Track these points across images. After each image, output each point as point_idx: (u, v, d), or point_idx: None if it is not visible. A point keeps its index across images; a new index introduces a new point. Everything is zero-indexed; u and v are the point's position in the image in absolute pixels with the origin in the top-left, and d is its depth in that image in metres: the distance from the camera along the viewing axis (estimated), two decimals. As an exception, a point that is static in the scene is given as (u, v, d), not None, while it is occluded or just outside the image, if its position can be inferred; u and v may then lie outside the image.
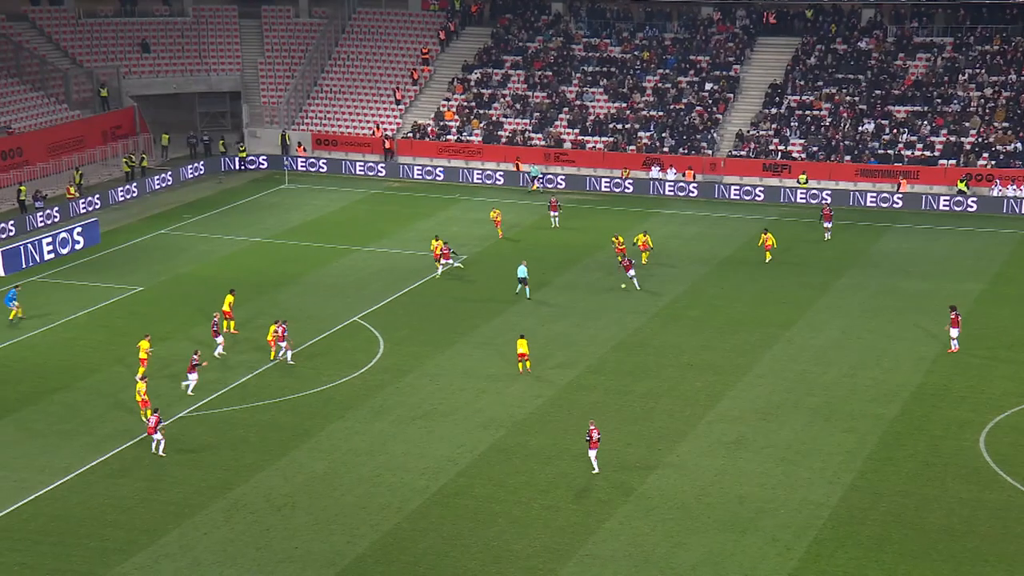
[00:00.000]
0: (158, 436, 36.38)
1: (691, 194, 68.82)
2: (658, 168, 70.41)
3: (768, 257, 55.62)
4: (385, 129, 75.36)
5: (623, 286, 50.62)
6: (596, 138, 73.19)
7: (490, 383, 42.15)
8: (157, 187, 68.54)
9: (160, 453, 36.36)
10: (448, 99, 77.17)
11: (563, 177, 70.86)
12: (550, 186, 70.24)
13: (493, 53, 79.62)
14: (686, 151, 71.52)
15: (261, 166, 73.70)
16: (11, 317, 46.55)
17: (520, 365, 42.90)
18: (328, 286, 51.80)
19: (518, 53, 79.37)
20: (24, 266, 53.82)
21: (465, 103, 76.54)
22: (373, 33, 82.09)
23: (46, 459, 35.92)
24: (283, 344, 43.06)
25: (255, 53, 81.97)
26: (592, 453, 35.48)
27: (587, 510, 33.52)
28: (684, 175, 69.81)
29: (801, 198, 67.35)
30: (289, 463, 36.02)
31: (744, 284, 53.09)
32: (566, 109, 75.26)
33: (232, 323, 45.93)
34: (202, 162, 72.77)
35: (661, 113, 73.98)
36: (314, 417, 39.30)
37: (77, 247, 56.69)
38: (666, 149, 71.92)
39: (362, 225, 62.17)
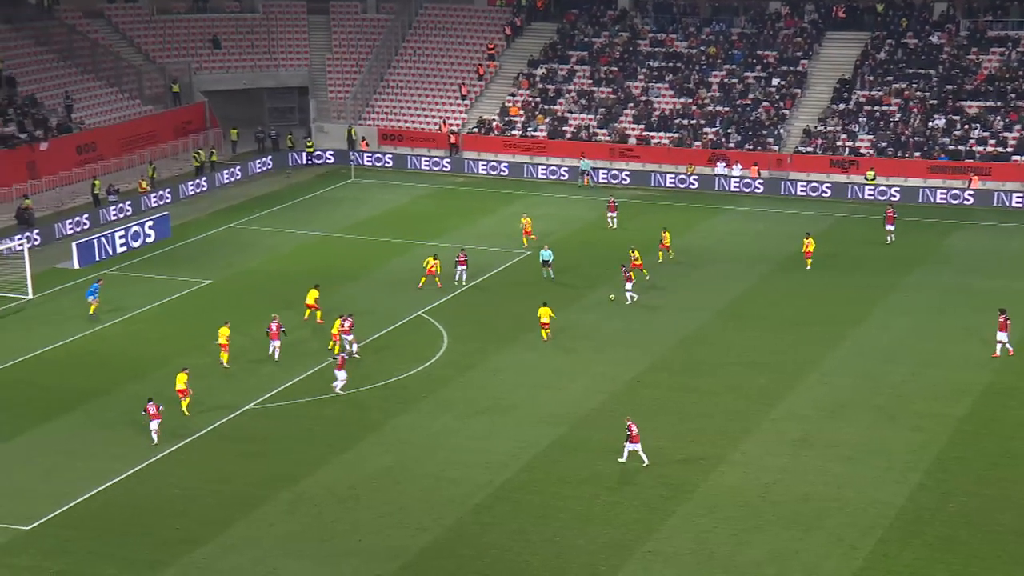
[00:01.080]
0: (155, 424, 36.52)
1: (757, 190, 68.14)
2: (723, 164, 69.81)
3: (808, 264, 53.56)
4: (450, 124, 75.53)
5: (611, 297, 49.14)
6: (661, 134, 72.74)
7: (553, 378, 42.09)
8: (226, 181, 69.30)
9: (155, 440, 36.50)
10: (513, 94, 77.14)
11: (627, 173, 70.52)
12: (614, 182, 69.95)
13: (559, 48, 79.44)
14: (752, 147, 70.85)
15: (328, 161, 74.22)
16: (91, 311, 47.27)
17: (543, 332, 44.23)
18: (393, 281, 52.01)
19: (584, 48, 79.12)
20: (97, 259, 54.68)
21: (530, 98, 76.47)
22: (439, 28, 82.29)
23: (116, 449, 36.46)
24: (348, 337, 43.31)
25: (323, 49, 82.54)
26: (636, 447, 35.46)
27: (650, 507, 33.34)
28: (750, 171, 69.15)
29: (869, 195, 66.42)
30: (353, 456, 36.22)
31: (810, 281, 52.48)
32: (631, 105, 74.89)
33: (319, 312, 46.35)
34: (270, 157, 73.43)
35: (727, 109, 73.34)
36: (378, 411, 39.47)
37: (148, 240, 57.49)
38: (732, 145, 71.29)
39: (427, 220, 62.35)
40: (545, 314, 44.80)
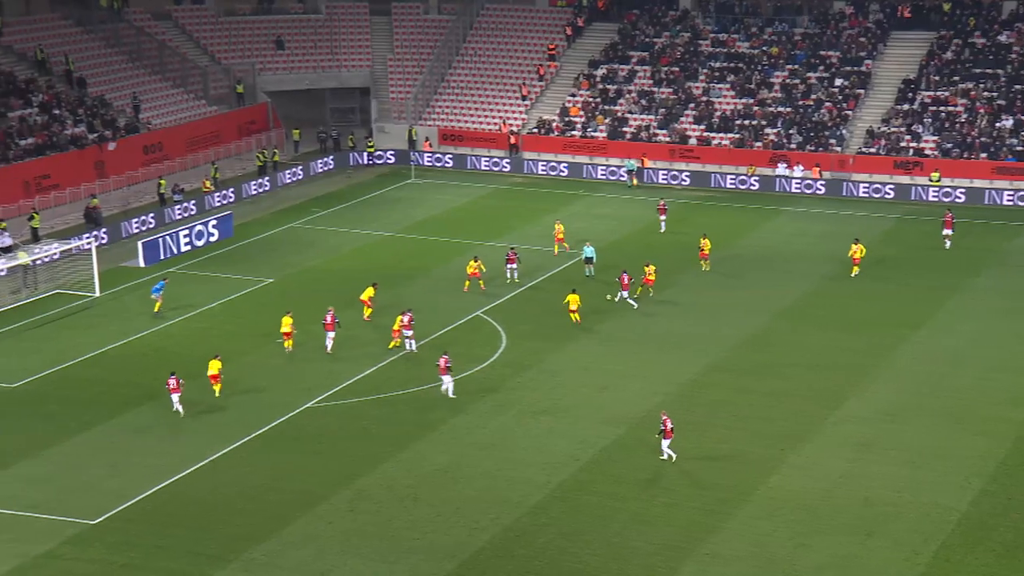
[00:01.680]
0: (176, 396, 38.51)
1: (818, 191, 67.50)
2: (785, 165, 69.22)
3: (855, 271, 52.55)
4: (510, 125, 75.61)
5: (608, 297, 48.76)
6: (722, 134, 72.29)
7: (611, 379, 42.01)
8: (288, 181, 69.92)
9: (180, 411, 38.56)
10: (573, 95, 77.05)
11: (687, 174, 70.18)
12: (673, 183, 69.63)
13: (619, 49, 79.23)
14: (814, 148, 70.17)
15: (388, 161, 74.61)
16: (156, 309, 47.94)
17: (572, 316, 46.03)
18: (452, 280, 52.16)
19: (644, 49, 78.84)
20: (162, 257, 55.42)
21: (590, 99, 76.34)
22: (500, 29, 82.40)
23: (180, 446, 36.94)
24: (408, 333, 43.51)
25: (385, 49, 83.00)
26: (665, 443, 35.44)
27: (709, 508, 33.15)
28: (811, 172, 68.49)
29: (933, 196, 65.52)
30: (412, 455, 36.39)
31: (872, 283, 51.87)
32: (692, 105, 74.50)
33: (369, 311, 46.76)
34: (331, 157, 73.98)
35: (789, 109, 72.71)
36: (436, 410, 39.61)
37: (212, 239, 58.16)
38: (793, 146, 70.66)
39: (486, 220, 62.46)
40: (574, 301, 46.24)
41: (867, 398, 40.26)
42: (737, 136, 71.80)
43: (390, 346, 43.82)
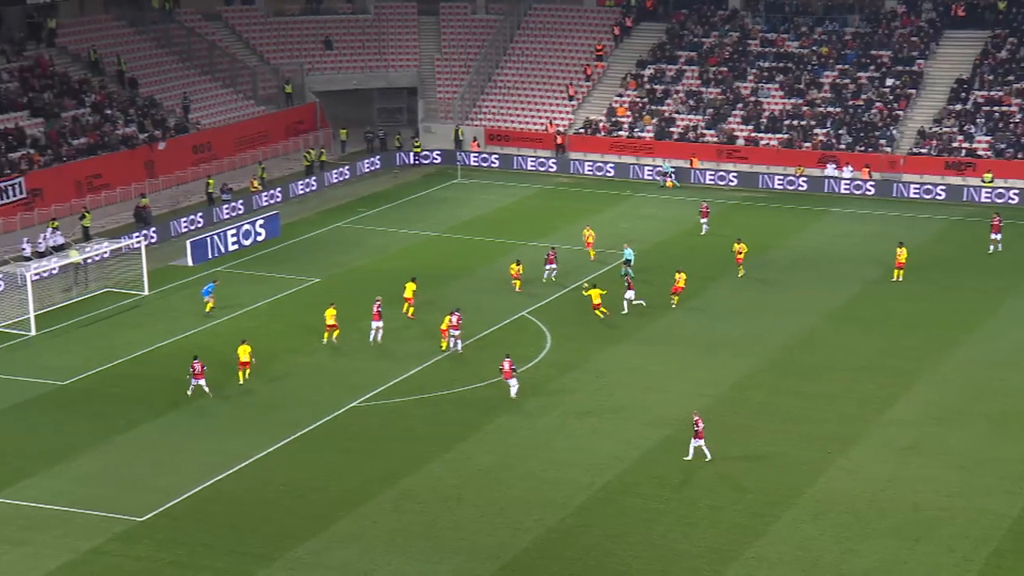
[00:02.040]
0: (202, 382, 39.84)
1: (868, 193, 66.85)
2: (834, 166, 68.62)
3: (897, 275, 51.58)
4: (557, 125, 75.54)
5: (629, 303, 48.19)
6: (770, 135, 71.78)
7: (656, 381, 41.88)
8: (335, 181, 70.28)
9: (209, 394, 39.88)
10: (621, 95, 76.84)
11: (735, 174, 69.78)
12: (722, 183, 69.26)
13: (667, 49, 78.89)
14: (863, 148, 69.49)
15: (435, 161, 74.78)
16: (208, 309, 48.38)
17: (598, 312, 46.43)
18: (497, 280, 52.17)
19: (693, 48, 78.46)
20: (210, 257, 55.88)
21: (637, 99, 76.10)
22: (548, 29, 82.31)
23: (226, 445, 37.24)
24: (456, 333, 43.55)
25: (432, 49, 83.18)
26: (700, 443, 35.44)
27: (754, 511, 32.93)
28: (861, 173, 67.84)
29: (986, 197, 64.66)
30: (456, 455, 36.44)
31: (922, 286, 51.31)
32: (740, 105, 74.03)
33: (412, 309, 47.10)
34: (378, 157, 74.27)
35: (838, 109, 72.06)
36: (481, 410, 39.66)
37: (259, 239, 58.56)
38: (843, 146, 70.02)
39: (532, 221, 62.44)
40: (596, 295, 46.60)
41: (915, 401, 39.82)
42: (786, 136, 71.26)
43: (443, 348, 43.90)
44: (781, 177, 68.68)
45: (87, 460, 36.22)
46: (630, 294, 48.15)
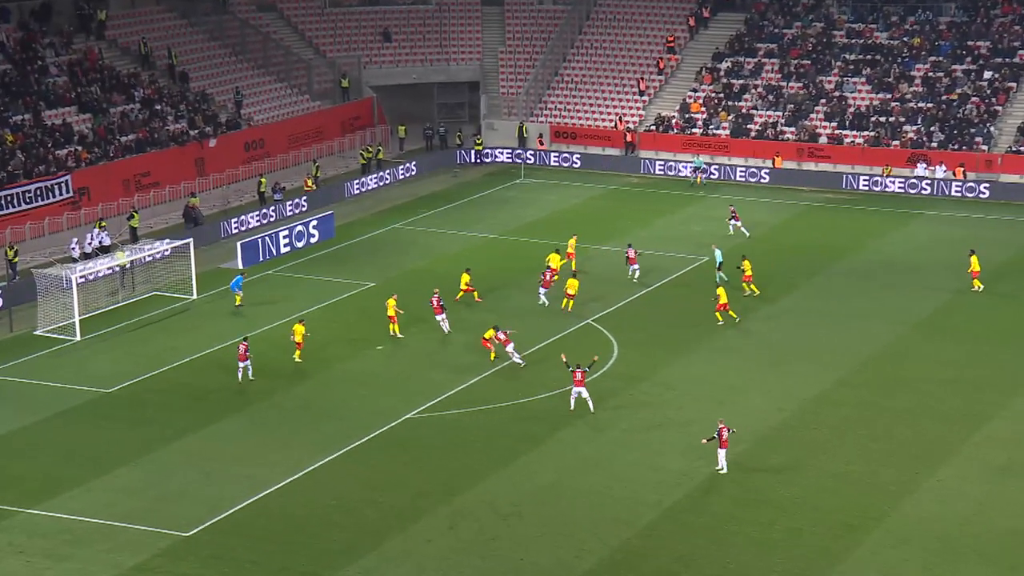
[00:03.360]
0: (246, 364, 41.94)
1: (965, 195, 65.93)
2: (924, 165, 67.82)
3: (976, 285, 50.71)
4: (627, 122, 75.42)
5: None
6: (855, 132, 71.10)
7: (730, 394, 41.65)
8: (392, 180, 70.74)
9: (250, 377, 42.06)
10: (695, 90, 76.54)
11: (816, 174, 69.23)
12: (753, 180, 68.70)
13: (746, 40, 78.46)
14: (957, 147, 68.57)
15: (497, 159, 75.00)
16: (237, 303, 49.04)
17: (564, 301, 48.18)
18: (561, 285, 52.07)
19: (773, 40, 77.94)
20: (261, 259, 56.49)
21: (713, 94, 75.75)
22: (618, 20, 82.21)
23: (276, 456, 37.60)
24: (509, 348, 43.35)
25: (496, 42, 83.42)
26: (721, 453, 35.51)
27: (833, 535, 32.64)
28: (954, 173, 66.93)
29: (1091, 198, 63.55)
30: (516, 470, 36.51)
31: (1017, 293, 50.45)
32: (823, 101, 73.42)
33: (475, 292, 49.32)
34: (438, 155, 74.61)
35: (931, 105, 71.16)
36: (542, 423, 39.69)
37: (312, 240, 59.12)
38: (934, 144, 69.15)
39: (599, 222, 62.41)
40: (572, 286, 48.35)
41: (1010, 418, 39.22)
42: (872, 134, 70.54)
43: (491, 358, 44.07)
44: (867, 177, 68.01)
45: (132, 471, 36.78)
46: (542, 291, 49.41)
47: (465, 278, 49.57)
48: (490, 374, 43.27)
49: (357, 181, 68.86)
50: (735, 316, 47.10)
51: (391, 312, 46.35)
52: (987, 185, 65.91)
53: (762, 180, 69.58)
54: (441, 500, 34.73)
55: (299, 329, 44.29)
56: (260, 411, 40.87)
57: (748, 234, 58.55)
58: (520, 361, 43.71)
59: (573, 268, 53.05)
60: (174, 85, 70.77)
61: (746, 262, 50.55)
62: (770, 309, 49.50)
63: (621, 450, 37.75)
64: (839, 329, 47.30)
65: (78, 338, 47.36)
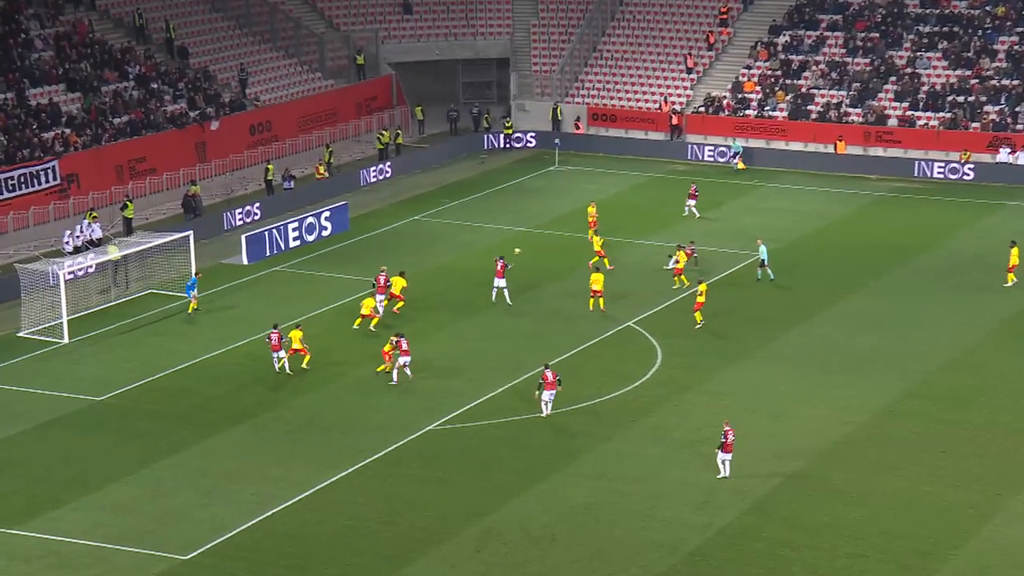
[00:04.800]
0: (281, 354, 43.18)
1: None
2: (1008, 150, 67.59)
3: (1011, 279, 50.86)
4: (673, 103, 75.33)
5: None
6: (929, 114, 70.81)
7: (787, 405, 41.58)
8: (412, 167, 70.88)
9: (288, 371, 43.21)
10: (749, 67, 76.38)
11: (884, 161, 68.99)
12: (870, 171, 68.49)
13: (806, 12, 78.25)
14: (1044, 129, 68.24)
15: (528, 144, 75.07)
16: (190, 309, 49.49)
17: (592, 302, 47.74)
18: (582, 282, 51.90)
19: (837, 11, 77.70)
20: (268, 254, 56.71)
21: (769, 71, 75.59)
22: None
23: (282, 471, 37.76)
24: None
25: (528, 14, 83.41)
26: (727, 457, 36.16)
27: (905, 563, 32.60)
28: (1040, 159, 66.68)
29: None
30: (549, 488, 36.54)
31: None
32: (893, 79, 73.16)
33: (400, 303, 48.46)
34: (463, 139, 74.72)
35: (1016, 82, 70.81)
36: (578, 436, 39.70)
37: (324, 234, 59.33)
38: (1020, 127, 68.82)
39: (641, 214, 62.39)
40: (597, 281, 47.79)
41: (1102, 435, 38.99)
42: (948, 115, 70.27)
43: (381, 369, 43.73)
44: (942, 164, 67.84)
45: (125, 488, 36.99)
46: (500, 282, 49.42)
47: (400, 283, 48.66)
48: (520, 381, 43.29)
49: (374, 168, 69.07)
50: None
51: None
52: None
53: (823, 168, 69.40)
54: (466, 521, 34.78)
55: (296, 335, 44.33)
56: (265, 423, 41.05)
57: (698, 215, 60.10)
58: (409, 374, 43.20)
59: (594, 261, 52.42)
60: (172, 61, 71.19)
61: (681, 253, 51.17)
62: (831, 312, 49.31)
63: (665, 467, 37.71)
64: (908, 335, 47.12)
65: (66, 340, 47.70)
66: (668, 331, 47.65)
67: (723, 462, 36.50)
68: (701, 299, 47.15)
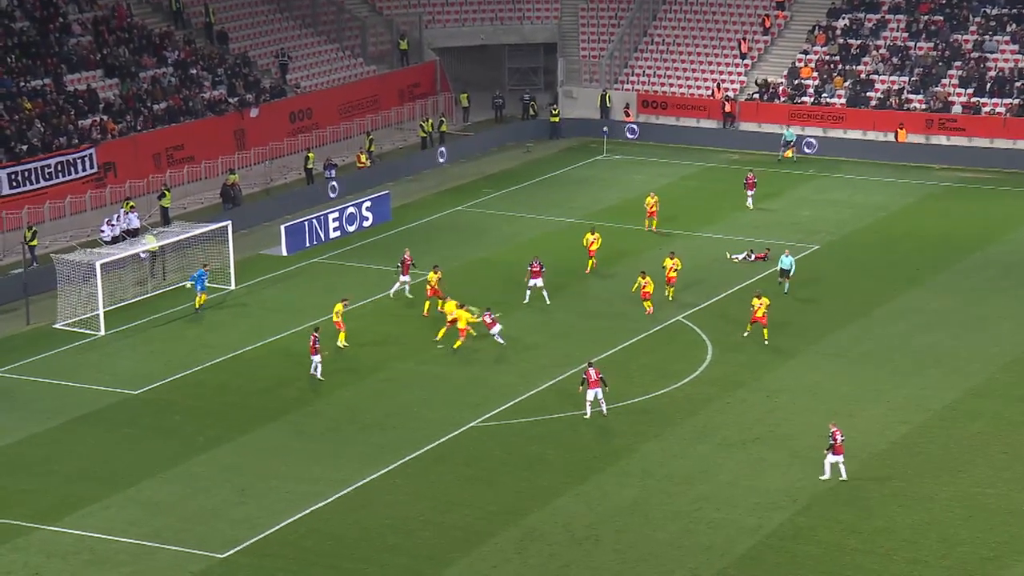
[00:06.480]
0: (316, 358, 42.84)
1: None
2: (1077, 138, 67.06)
3: None
4: (726, 89, 75.07)
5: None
6: (996, 100, 70.20)
7: (842, 404, 41.42)
8: (456, 156, 70.99)
9: (318, 376, 42.98)
10: (806, 52, 76.01)
11: (948, 150, 68.49)
12: (933, 161, 68.07)
13: (867, -7, 77.80)
14: (1116, 117, 67.52)
15: (576, 132, 74.94)
16: (197, 305, 49.57)
17: (647, 304, 47.63)
18: (626, 280, 51.86)
19: (899, -8, 77.23)
20: (307, 245, 57.00)
21: (827, 56, 75.17)
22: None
23: (321, 469, 37.98)
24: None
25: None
26: (838, 459, 35.93)
27: (967, 570, 32.40)
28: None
29: None
30: (593, 488, 36.57)
31: None
32: (958, 63, 72.57)
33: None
34: (514, 126, 74.70)
35: (1084, 67, 70.17)
36: (624, 435, 39.72)
37: (365, 224, 59.56)
38: (1088, 114, 68.23)
39: (692, 206, 62.28)
40: (650, 284, 47.80)
41: None
42: (1017, 102, 69.68)
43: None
44: (1009, 153, 67.11)
45: (161, 485, 37.30)
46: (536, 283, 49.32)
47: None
48: (565, 377, 43.33)
49: (416, 157, 69.18)
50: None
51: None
52: None
53: (883, 157, 69.00)
54: (508, 521, 34.87)
55: (338, 308, 45.41)
56: (303, 418, 41.30)
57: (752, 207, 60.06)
58: (501, 341, 44.79)
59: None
60: (211, 46, 71.63)
61: (670, 260, 49.60)
62: (890, 308, 49.06)
63: (715, 467, 37.66)
64: (971, 332, 46.85)
65: (102, 333, 48.17)
66: (718, 326, 47.54)
67: (833, 464, 36.21)
68: (760, 313, 45.63)
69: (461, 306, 45.68)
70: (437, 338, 45.93)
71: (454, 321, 45.44)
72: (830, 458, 36.27)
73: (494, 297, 48.79)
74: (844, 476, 36.24)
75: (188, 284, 50.13)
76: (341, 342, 45.47)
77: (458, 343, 45.27)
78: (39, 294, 50.32)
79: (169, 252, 53.32)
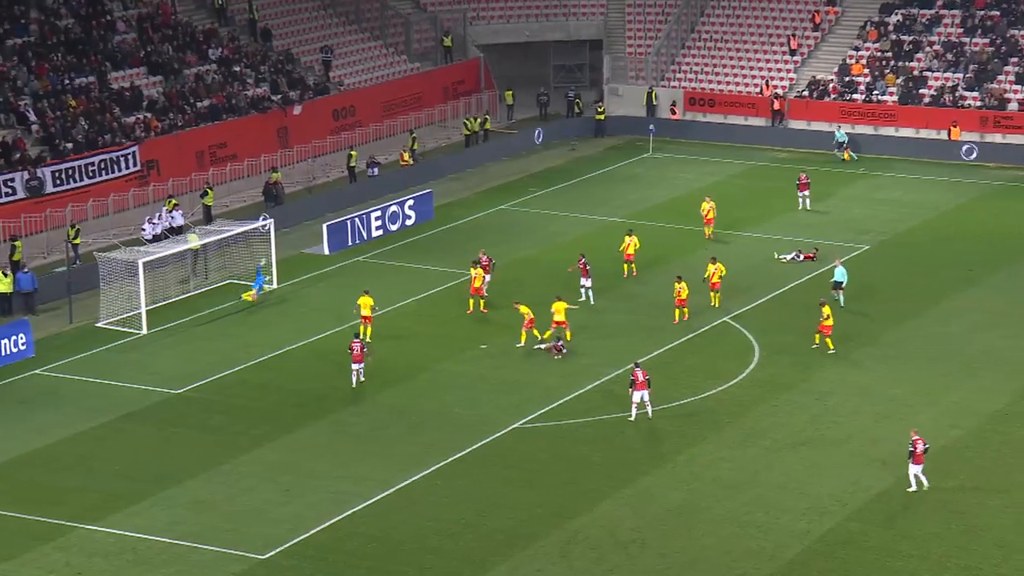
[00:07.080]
0: (359, 366, 42.70)
1: None
2: None
3: None
4: (775, 86, 74.74)
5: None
6: (1051, 97, 69.68)
7: (894, 406, 41.21)
8: (500, 154, 70.97)
9: (361, 379, 42.96)
10: (857, 48, 75.55)
11: (1003, 148, 67.94)
12: (987, 161, 67.52)
13: (920, -12, 77.26)
14: None
15: (622, 130, 74.82)
16: (251, 297, 50.17)
17: (677, 312, 47.20)
18: (694, 278, 51.78)
19: (954, -13, 76.65)
20: (350, 244, 57.16)
21: (879, 53, 74.70)
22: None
23: (364, 469, 38.11)
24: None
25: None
26: (917, 469, 35.52)
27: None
28: None
29: None
30: (639, 491, 36.52)
31: None
32: (1014, 59, 71.95)
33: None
34: (559, 124, 74.61)
35: None
36: (670, 437, 39.66)
37: (408, 223, 59.68)
38: None
39: (740, 204, 62.01)
40: (684, 290, 47.17)
41: None
42: (1071, 99, 69.14)
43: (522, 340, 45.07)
44: (1065, 152, 66.85)
45: (204, 484, 37.54)
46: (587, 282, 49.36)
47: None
48: (610, 378, 43.27)
49: (460, 155, 69.23)
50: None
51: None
52: None
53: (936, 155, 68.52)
54: (552, 524, 34.87)
55: (366, 302, 45.56)
56: (345, 418, 41.43)
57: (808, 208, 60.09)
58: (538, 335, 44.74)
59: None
60: (255, 43, 71.97)
61: (713, 266, 49.19)
62: (942, 309, 48.77)
63: (763, 470, 37.53)
64: (1026, 333, 46.58)
65: (144, 331, 48.49)
66: (766, 327, 47.40)
67: (915, 475, 35.79)
68: (828, 323, 45.06)
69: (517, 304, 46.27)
70: (542, 337, 45.86)
71: (562, 322, 45.57)
72: (912, 468, 35.72)
73: (539, 296, 48.71)
74: (927, 485, 35.75)
75: (255, 291, 50.49)
76: (367, 337, 45.55)
77: (523, 337, 45.58)
78: (82, 292, 50.69)
79: (212, 251, 53.57)
